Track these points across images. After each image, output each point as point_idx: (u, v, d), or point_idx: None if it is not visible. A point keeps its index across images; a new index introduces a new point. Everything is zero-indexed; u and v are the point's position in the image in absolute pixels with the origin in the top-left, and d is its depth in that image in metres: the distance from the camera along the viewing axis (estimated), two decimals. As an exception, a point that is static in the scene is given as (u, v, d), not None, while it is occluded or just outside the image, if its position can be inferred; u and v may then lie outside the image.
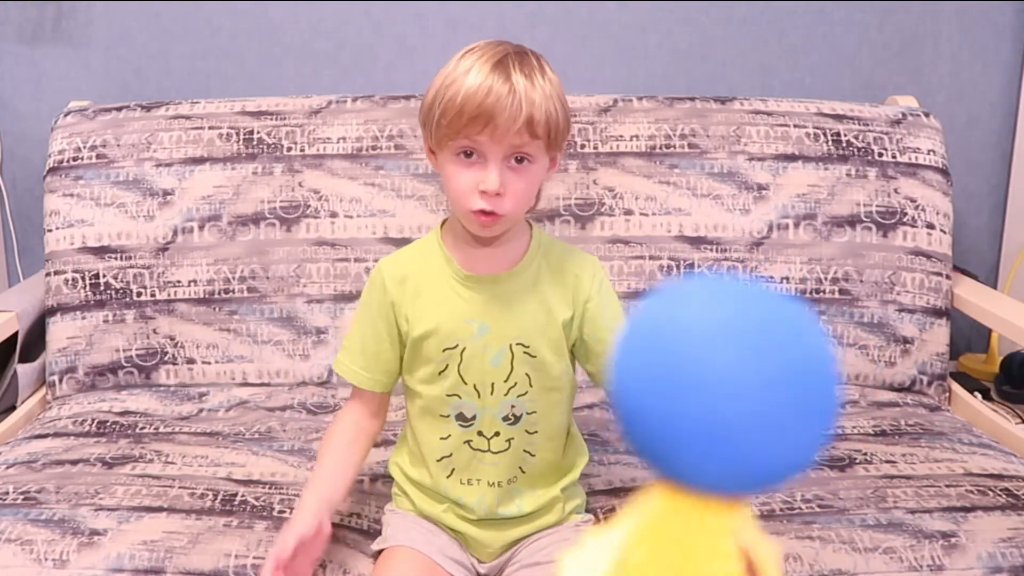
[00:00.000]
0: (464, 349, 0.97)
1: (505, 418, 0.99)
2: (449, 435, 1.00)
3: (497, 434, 0.99)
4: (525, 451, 1.01)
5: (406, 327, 1.00)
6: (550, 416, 1.01)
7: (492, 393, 0.98)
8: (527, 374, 0.98)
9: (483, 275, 0.99)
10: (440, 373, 0.99)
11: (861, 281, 1.46)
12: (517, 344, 0.97)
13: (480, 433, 0.99)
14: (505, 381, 0.98)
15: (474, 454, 1.00)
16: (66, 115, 1.54)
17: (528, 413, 0.99)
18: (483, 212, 0.92)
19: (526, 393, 0.99)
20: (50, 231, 1.47)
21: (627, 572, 0.47)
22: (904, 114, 1.54)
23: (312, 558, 0.95)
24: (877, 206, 1.48)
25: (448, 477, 1.01)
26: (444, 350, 0.98)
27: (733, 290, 0.48)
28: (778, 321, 0.47)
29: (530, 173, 0.93)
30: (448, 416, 1.00)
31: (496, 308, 0.98)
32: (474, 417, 0.99)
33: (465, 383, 0.98)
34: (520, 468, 1.01)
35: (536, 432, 1.00)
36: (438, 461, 1.01)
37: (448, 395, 0.99)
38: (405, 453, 1.07)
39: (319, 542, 0.95)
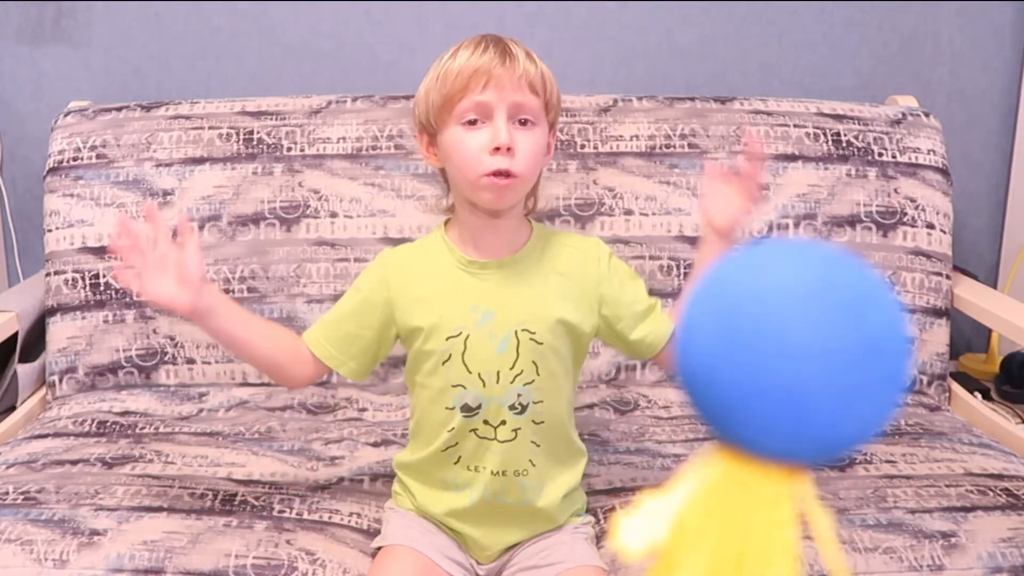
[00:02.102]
0: (468, 337, 0.97)
1: (512, 407, 0.98)
2: (454, 427, 1.00)
3: (503, 423, 0.99)
4: (532, 442, 1.00)
5: (407, 320, 1.00)
6: (556, 405, 1.01)
7: (498, 381, 0.98)
8: (534, 362, 0.98)
9: (486, 260, 0.99)
10: (444, 363, 0.98)
11: (861, 281, 1.46)
12: (523, 330, 0.97)
13: (486, 422, 0.99)
14: (511, 368, 0.97)
15: (480, 442, 0.99)
16: (66, 115, 1.54)
17: (535, 402, 0.99)
18: (497, 174, 0.92)
19: (533, 381, 0.98)
20: (50, 231, 1.47)
21: (683, 535, 0.46)
22: (904, 114, 1.54)
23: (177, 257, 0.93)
24: (877, 206, 1.48)
25: (455, 464, 1.01)
26: (447, 339, 0.98)
27: (811, 254, 0.47)
28: (855, 288, 0.46)
29: (535, 135, 0.96)
30: (453, 408, 0.99)
31: (501, 293, 0.98)
32: (479, 406, 0.98)
33: (470, 372, 0.98)
34: (530, 461, 1.00)
35: (543, 423, 1.00)
36: (443, 451, 1.01)
37: (453, 386, 0.98)
38: (410, 450, 1.07)
39: (176, 292, 0.91)
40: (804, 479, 0.47)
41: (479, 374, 0.98)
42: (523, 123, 0.95)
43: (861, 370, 0.44)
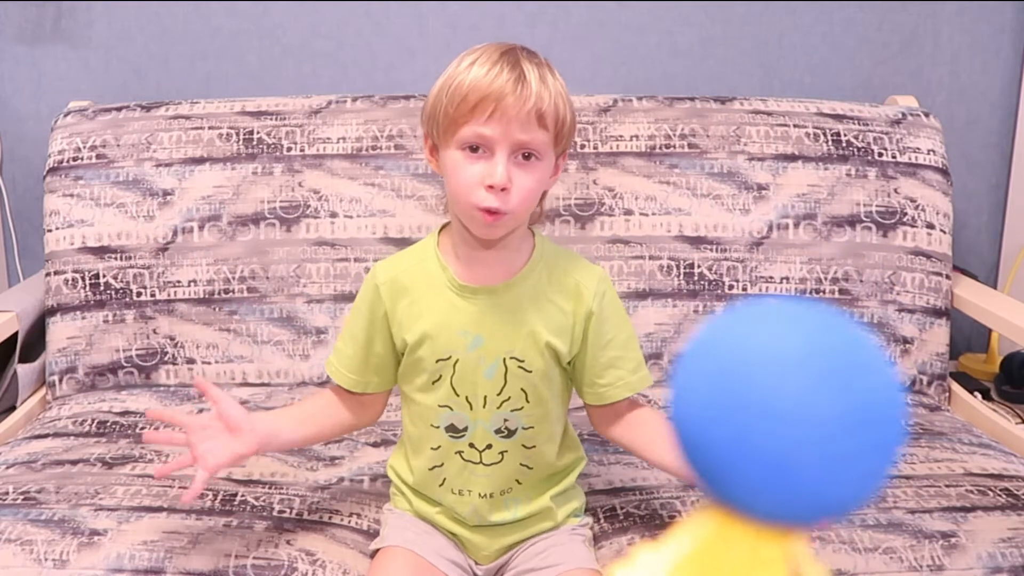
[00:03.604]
0: (457, 361, 0.96)
1: (498, 431, 0.98)
2: (439, 446, 0.99)
3: (490, 447, 0.98)
4: (522, 464, 1.00)
5: (401, 334, 0.98)
6: (548, 430, 1.00)
7: (484, 406, 0.97)
8: (522, 389, 0.96)
9: (478, 286, 0.96)
10: (433, 383, 0.97)
11: (861, 281, 1.46)
12: (511, 358, 0.96)
13: (472, 445, 0.98)
14: (498, 394, 0.96)
15: (465, 465, 0.99)
16: (66, 115, 1.54)
17: (524, 428, 0.98)
18: (487, 210, 0.89)
19: (521, 408, 0.97)
20: (50, 231, 1.47)
21: None
22: (904, 114, 1.54)
23: (216, 441, 0.94)
24: (877, 206, 1.48)
25: (440, 486, 1.01)
26: (437, 361, 0.96)
27: (804, 317, 0.47)
28: (848, 352, 0.46)
29: (537, 171, 0.91)
30: (438, 427, 0.98)
31: (491, 320, 0.96)
32: (465, 429, 0.98)
33: (457, 395, 0.97)
34: (516, 480, 1.00)
35: (534, 447, 0.99)
36: (430, 470, 1.00)
37: (440, 406, 0.98)
38: (402, 456, 1.06)
39: (237, 444, 0.94)
40: (798, 539, 0.47)
41: (466, 397, 0.97)
42: (526, 157, 0.90)
43: (852, 436, 0.44)
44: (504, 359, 0.96)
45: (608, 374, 0.99)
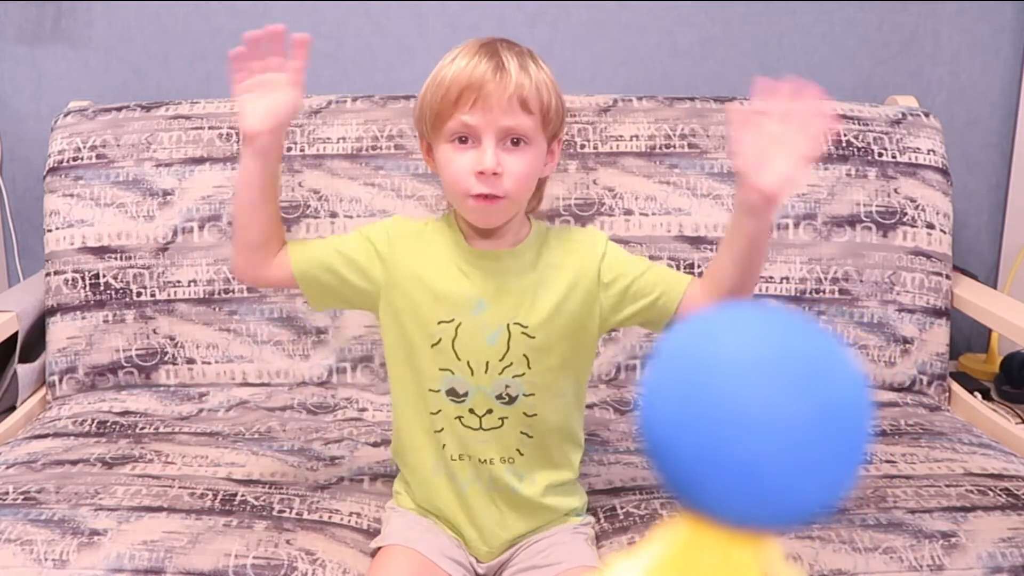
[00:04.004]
0: (460, 324, 0.97)
1: (499, 396, 0.99)
2: (440, 410, 1.00)
3: (490, 411, 0.99)
4: (523, 432, 1.00)
5: (396, 292, 0.99)
6: (552, 401, 1.01)
7: (486, 371, 0.98)
8: (525, 355, 0.98)
9: (486, 251, 0.99)
10: (433, 346, 0.98)
11: (861, 281, 1.46)
12: (515, 324, 0.97)
13: (472, 411, 0.99)
14: (500, 360, 0.98)
15: (465, 431, 1.00)
16: (66, 115, 1.54)
17: (525, 395, 0.99)
18: (482, 196, 0.92)
19: (523, 374, 0.98)
20: (50, 231, 1.47)
21: None
22: (904, 114, 1.54)
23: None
24: (877, 206, 1.48)
25: (443, 448, 1.01)
26: (439, 323, 0.98)
27: (770, 323, 0.48)
28: (815, 357, 0.46)
29: (528, 155, 0.93)
30: (439, 391, 0.99)
31: (496, 286, 0.98)
32: (466, 394, 0.99)
33: (459, 359, 0.98)
34: (518, 450, 1.01)
35: (535, 415, 1.00)
36: (436, 432, 1.01)
37: (440, 369, 0.99)
38: (402, 434, 1.06)
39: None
40: (771, 542, 0.47)
41: (468, 362, 0.98)
42: (515, 143, 0.92)
43: (819, 442, 0.45)
44: (508, 325, 0.97)
45: (655, 288, 0.97)
